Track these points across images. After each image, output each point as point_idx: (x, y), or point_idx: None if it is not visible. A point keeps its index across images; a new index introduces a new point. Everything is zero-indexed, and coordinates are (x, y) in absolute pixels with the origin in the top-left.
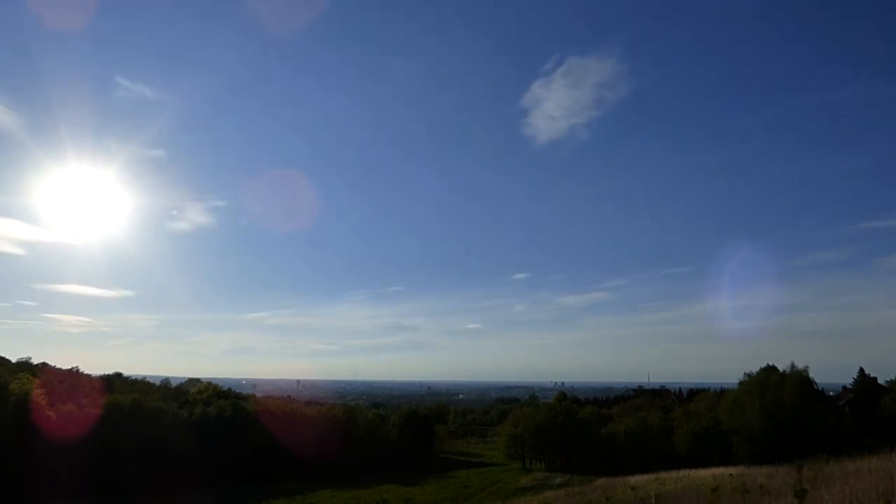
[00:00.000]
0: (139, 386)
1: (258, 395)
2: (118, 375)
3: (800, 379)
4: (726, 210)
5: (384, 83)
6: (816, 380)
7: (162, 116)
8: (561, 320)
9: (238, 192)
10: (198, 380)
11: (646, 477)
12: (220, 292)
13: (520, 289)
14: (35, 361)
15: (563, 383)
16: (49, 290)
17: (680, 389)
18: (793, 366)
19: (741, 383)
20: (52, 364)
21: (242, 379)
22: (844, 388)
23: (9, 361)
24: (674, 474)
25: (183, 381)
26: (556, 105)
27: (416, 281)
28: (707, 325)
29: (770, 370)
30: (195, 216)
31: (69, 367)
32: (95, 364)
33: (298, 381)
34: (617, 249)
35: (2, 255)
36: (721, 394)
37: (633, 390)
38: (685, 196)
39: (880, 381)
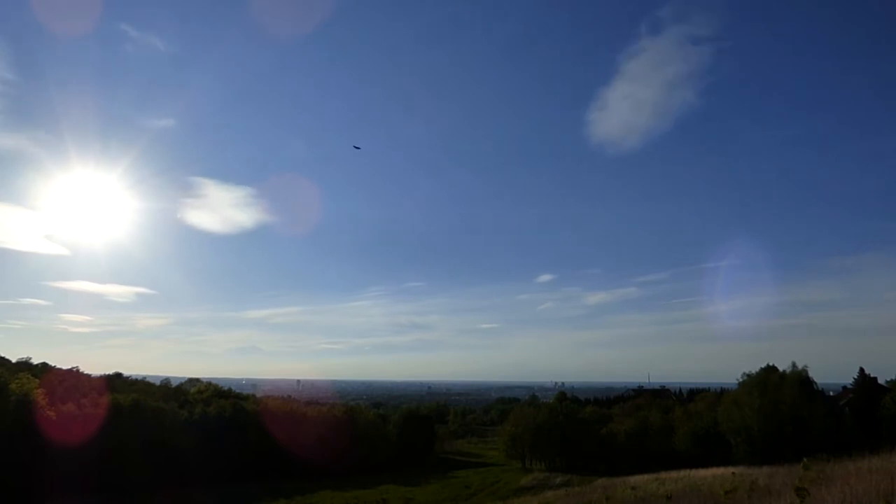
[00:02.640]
0: (139, 386)
1: (258, 395)
2: (118, 375)
3: (799, 379)
4: (726, 210)
5: (407, 82)
6: (816, 380)
7: (169, 120)
8: (581, 318)
9: (249, 188)
10: (198, 380)
11: (646, 477)
12: (228, 291)
13: (542, 288)
14: (36, 361)
15: (562, 383)
16: (56, 290)
17: (680, 389)
18: (793, 366)
19: (741, 383)
20: (53, 364)
21: (242, 379)
22: (844, 388)
23: (9, 361)
24: (674, 474)
25: (183, 380)
26: (610, 114)
27: (437, 276)
28: (707, 325)
29: (770, 370)
30: (206, 214)
31: (73, 366)
32: (101, 364)
33: (299, 381)
34: (619, 252)
35: (7, 252)
36: (721, 394)
37: (633, 390)
38: (689, 196)
39: (880, 381)
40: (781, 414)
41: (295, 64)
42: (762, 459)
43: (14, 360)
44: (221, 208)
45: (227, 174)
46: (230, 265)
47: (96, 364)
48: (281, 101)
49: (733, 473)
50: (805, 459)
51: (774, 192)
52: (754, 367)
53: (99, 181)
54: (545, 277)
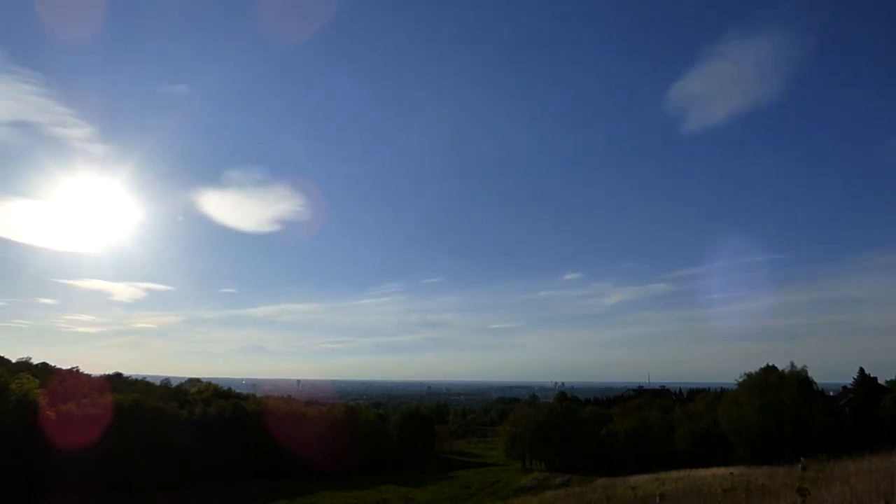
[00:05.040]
0: (139, 386)
1: (258, 395)
2: (118, 375)
3: (799, 379)
4: (725, 209)
5: (431, 71)
6: (816, 380)
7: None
8: (599, 317)
9: (263, 184)
10: (198, 380)
11: (646, 477)
12: (237, 288)
13: (567, 285)
14: (42, 361)
15: (563, 383)
16: (63, 289)
17: (680, 389)
18: (792, 366)
19: (741, 383)
20: (54, 364)
21: (243, 379)
22: (844, 388)
23: (9, 361)
24: (674, 474)
25: (184, 380)
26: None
27: (457, 272)
28: (707, 324)
29: (769, 370)
30: (218, 210)
31: (73, 366)
32: (107, 363)
33: (299, 381)
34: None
35: (15, 247)
36: (721, 394)
37: (633, 390)
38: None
39: (880, 381)
40: (781, 414)
41: (303, 65)
42: (762, 459)
43: (14, 360)
44: (233, 204)
45: (238, 170)
46: (241, 262)
47: (101, 364)
48: (282, 100)
49: (732, 473)
50: (803, 459)
51: (772, 189)
52: (754, 367)
53: (106, 178)
54: (573, 274)
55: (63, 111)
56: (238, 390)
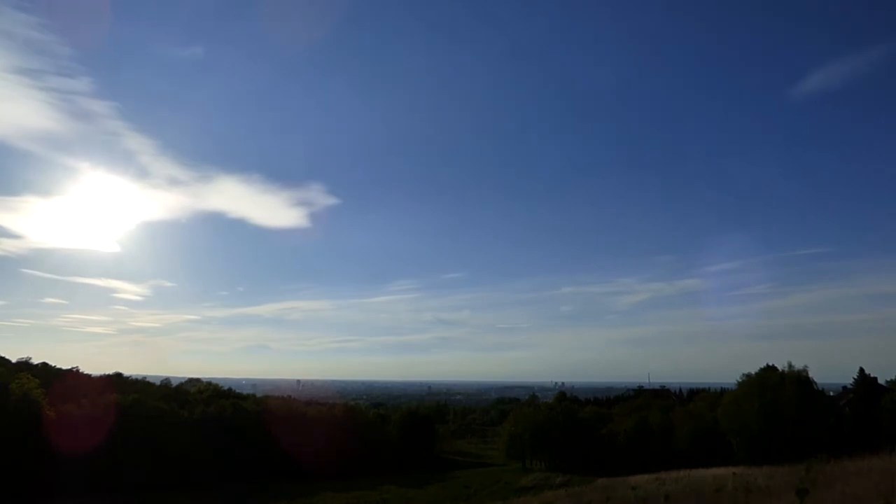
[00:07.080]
0: (139, 386)
1: (259, 395)
2: (118, 375)
3: (799, 379)
4: (725, 207)
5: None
6: (816, 380)
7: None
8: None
9: (268, 180)
10: (198, 380)
11: (646, 477)
12: (245, 286)
13: (590, 281)
14: (48, 361)
15: (563, 383)
16: (68, 287)
17: (680, 389)
18: (791, 366)
19: (741, 383)
20: (57, 364)
21: (242, 379)
22: (844, 388)
23: (9, 361)
24: (674, 474)
25: (184, 380)
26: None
27: (475, 268)
28: (708, 324)
29: (769, 370)
30: (226, 207)
31: (75, 366)
32: (112, 363)
33: (299, 381)
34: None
35: (17, 248)
36: (721, 394)
37: (633, 390)
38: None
39: (880, 381)
40: (781, 414)
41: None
42: (762, 459)
43: (14, 360)
44: (243, 201)
45: (247, 168)
46: (250, 259)
47: (107, 363)
48: (286, 100)
49: (734, 473)
50: (808, 461)
51: (773, 187)
52: (754, 367)
53: (111, 180)
54: (593, 272)
55: (64, 54)
56: (239, 390)
